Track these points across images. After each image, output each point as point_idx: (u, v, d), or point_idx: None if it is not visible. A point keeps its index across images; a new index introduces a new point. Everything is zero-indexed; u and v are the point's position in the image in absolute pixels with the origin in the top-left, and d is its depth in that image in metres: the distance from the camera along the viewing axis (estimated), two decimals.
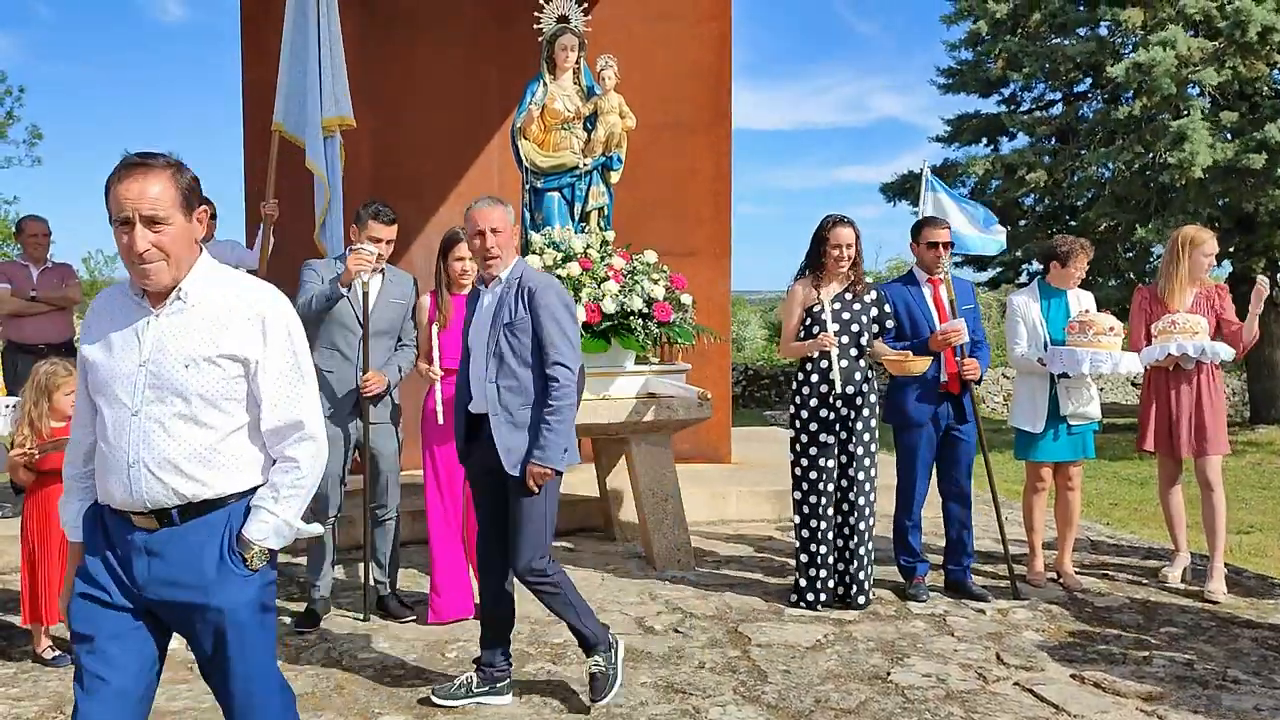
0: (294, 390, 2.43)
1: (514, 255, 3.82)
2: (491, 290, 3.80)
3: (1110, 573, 5.73)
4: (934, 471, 5.29)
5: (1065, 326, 5.28)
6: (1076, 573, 5.54)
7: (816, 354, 4.92)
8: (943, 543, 5.40)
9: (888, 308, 5.10)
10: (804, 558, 5.00)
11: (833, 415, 4.94)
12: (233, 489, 2.41)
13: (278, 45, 6.12)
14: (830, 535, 4.97)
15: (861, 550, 4.99)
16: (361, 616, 4.83)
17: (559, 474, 3.74)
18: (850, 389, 4.92)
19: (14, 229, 7.44)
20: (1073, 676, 4.16)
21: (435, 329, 4.70)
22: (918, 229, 5.32)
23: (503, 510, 3.82)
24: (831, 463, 4.95)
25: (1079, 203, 16.38)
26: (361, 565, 4.95)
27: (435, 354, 4.69)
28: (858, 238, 4.96)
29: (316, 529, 2.63)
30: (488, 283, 3.82)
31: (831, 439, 4.94)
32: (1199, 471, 5.34)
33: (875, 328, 5.03)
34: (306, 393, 2.46)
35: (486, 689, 3.87)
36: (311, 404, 2.48)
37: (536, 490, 3.68)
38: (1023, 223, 16.95)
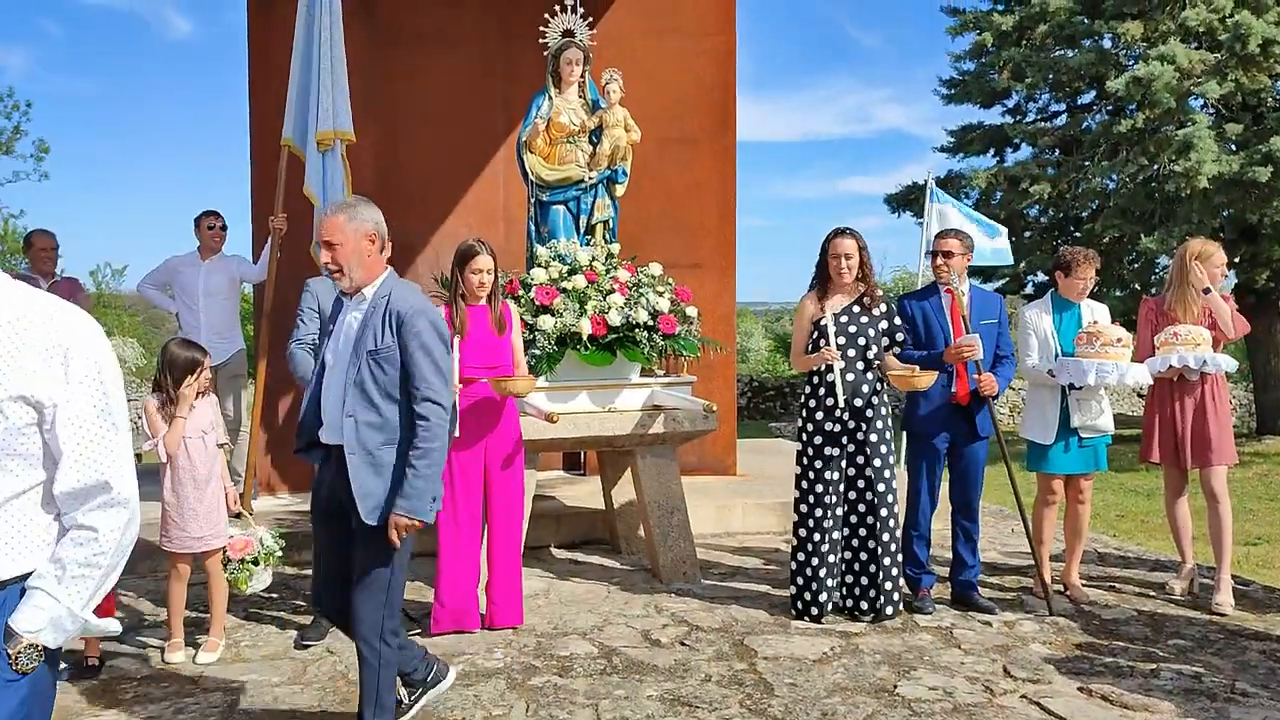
0: (102, 442, 1.91)
1: (378, 268, 3.41)
2: (356, 306, 3.42)
3: (1117, 585, 5.71)
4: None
5: (1075, 338, 5.28)
6: (1083, 585, 5.53)
7: (822, 367, 4.94)
8: (950, 555, 5.40)
9: (899, 320, 5.10)
10: (808, 571, 4.99)
11: (838, 428, 4.94)
12: (13, 571, 1.88)
13: (284, 61, 6.15)
14: (825, 549, 4.96)
15: (887, 561, 4.99)
16: None
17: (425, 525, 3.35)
18: (859, 402, 4.93)
19: (22, 243, 7.46)
20: (1080, 689, 4.15)
21: (456, 340, 4.71)
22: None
23: (346, 550, 3.44)
24: (836, 475, 4.95)
25: (1083, 214, 16.40)
26: None
27: (454, 366, 4.70)
28: (863, 249, 4.97)
29: (113, 626, 2.09)
30: (350, 294, 3.44)
31: (837, 451, 4.95)
32: (1204, 482, 5.33)
33: (886, 340, 5.03)
34: (118, 446, 1.94)
35: (420, 691, 3.76)
36: (123, 461, 1.95)
37: (397, 544, 3.31)
38: (1027, 234, 16.98)
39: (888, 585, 4.99)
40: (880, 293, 5.13)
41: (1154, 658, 4.53)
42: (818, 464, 4.96)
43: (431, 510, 3.31)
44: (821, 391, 4.97)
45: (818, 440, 4.96)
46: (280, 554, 4.86)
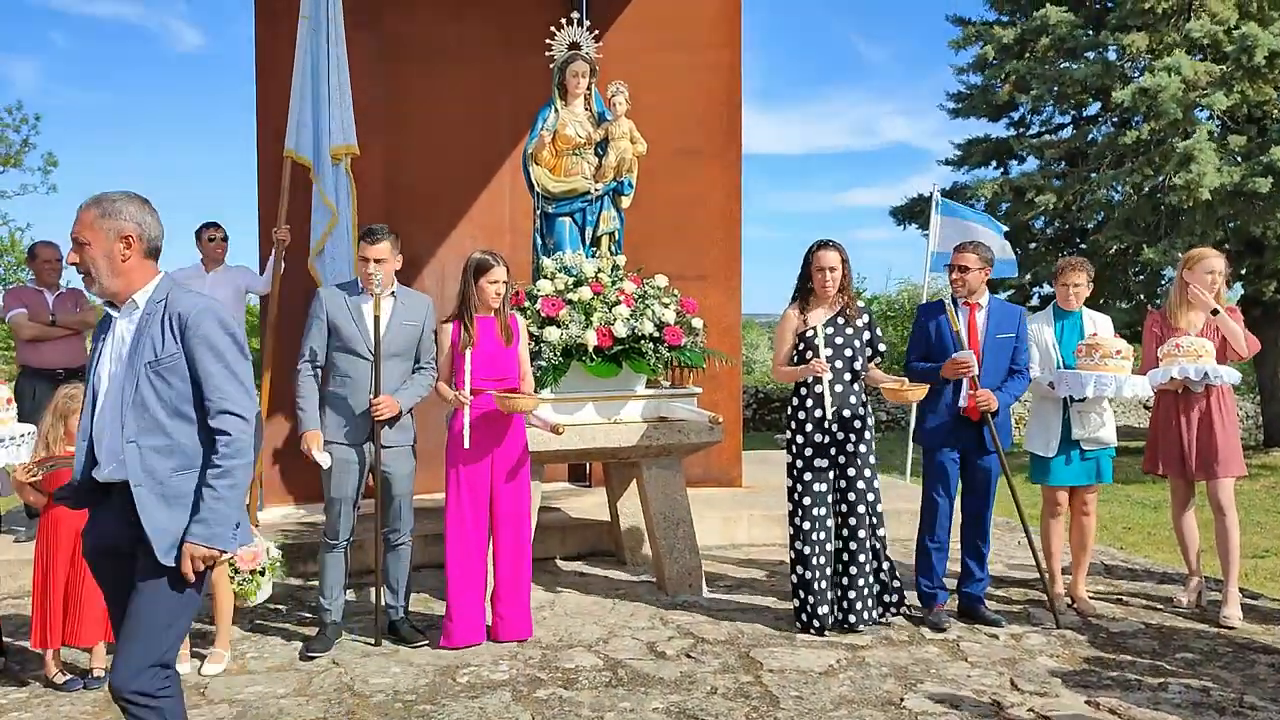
0: None
1: (142, 274, 2.91)
2: (127, 315, 2.92)
3: (1124, 598, 5.69)
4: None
5: (1074, 350, 5.27)
6: (1090, 598, 5.50)
7: (809, 378, 4.94)
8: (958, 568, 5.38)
9: (879, 331, 5.16)
10: (803, 583, 4.99)
11: (827, 439, 4.95)
12: None
13: (291, 73, 6.20)
14: (822, 561, 4.96)
15: (877, 567, 5.04)
16: (373, 641, 4.83)
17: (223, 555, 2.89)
18: (847, 413, 4.95)
19: (26, 255, 7.49)
20: (1087, 703, 4.13)
21: (468, 353, 4.72)
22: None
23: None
24: (824, 487, 4.96)
25: (1089, 225, 16.39)
26: (373, 589, 4.95)
27: (466, 377, 4.71)
28: (845, 261, 5.00)
29: None
30: (118, 304, 2.94)
31: (826, 463, 4.96)
32: (1211, 495, 5.31)
33: (869, 351, 5.06)
34: None
35: None
36: None
37: (191, 577, 2.82)
38: (1033, 245, 16.96)
39: (877, 591, 5.06)
40: (860, 305, 5.15)
41: (1162, 671, 4.51)
42: (806, 476, 4.96)
43: (235, 539, 2.88)
44: (809, 403, 4.97)
45: (809, 451, 4.96)
46: (282, 564, 4.88)
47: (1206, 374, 5.14)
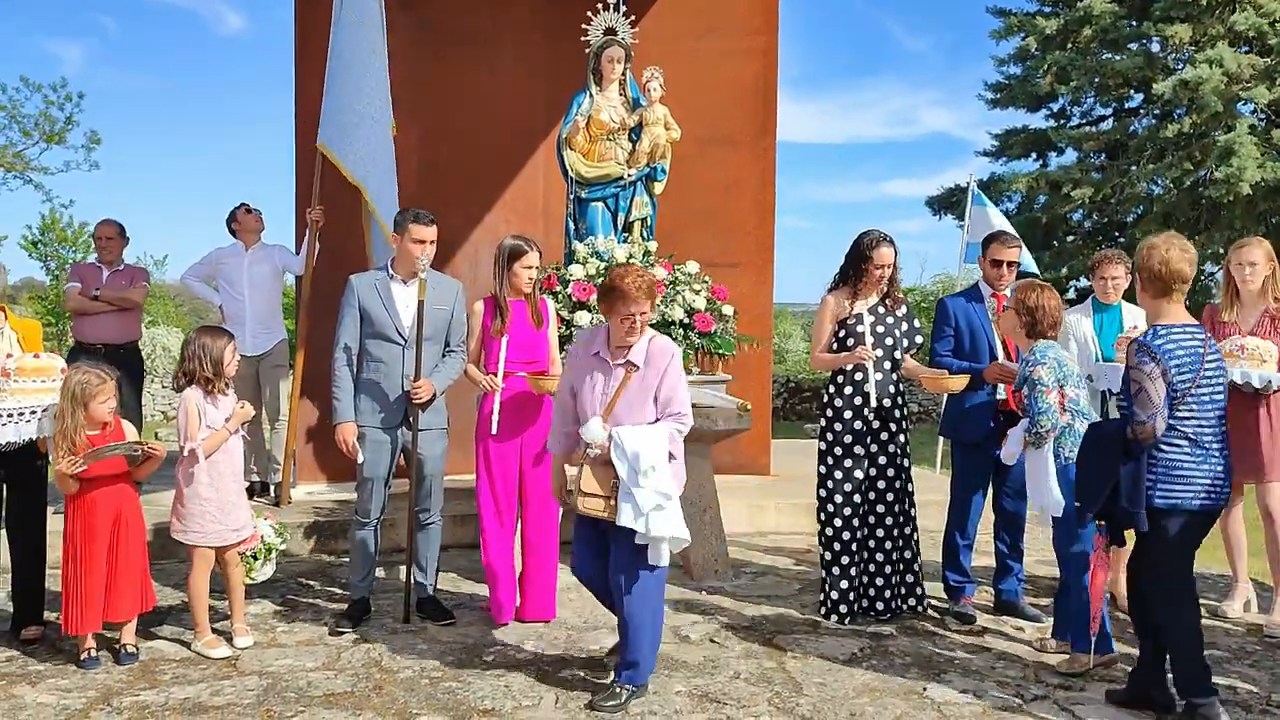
0: None
1: None
2: None
3: None
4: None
5: (1114, 343, 5.20)
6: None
7: (850, 366, 4.92)
8: (988, 561, 5.36)
9: (918, 323, 5.12)
10: (835, 570, 4.99)
11: (866, 428, 4.93)
12: None
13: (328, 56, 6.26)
14: (855, 547, 4.96)
15: (919, 562, 5.07)
16: (401, 618, 4.89)
17: None
18: (886, 401, 4.94)
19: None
20: (1109, 693, 4.11)
21: (505, 339, 4.76)
22: (987, 243, 5.24)
23: None
24: (862, 475, 4.95)
25: (1127, 219, 16.21)
26: (402, 567, 5.01)
27: (501, 362, 4.75)
28: (895, 254, 4.98)
29: None
30: None
31: (863, 451, 4.94)
32: (1260, 499, 5.12)
33: (906, 342, 5.03)
34: None
35: None
36: None
37: None
38: (1070, 238, 16.81)
39: (910, 582, 5.07)
40: (901, 294, 5.13)
41: None
42: (847, 463, 4.94)
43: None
44: (848, 390, 4.95)
45: (847, 439, 4.94)
46: (281, 541, 4.89)
47: (1270, 382, 4.89)
